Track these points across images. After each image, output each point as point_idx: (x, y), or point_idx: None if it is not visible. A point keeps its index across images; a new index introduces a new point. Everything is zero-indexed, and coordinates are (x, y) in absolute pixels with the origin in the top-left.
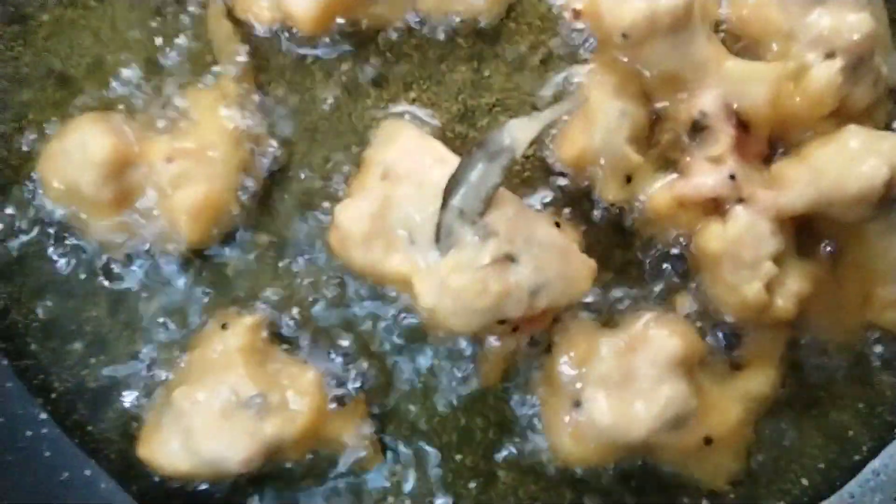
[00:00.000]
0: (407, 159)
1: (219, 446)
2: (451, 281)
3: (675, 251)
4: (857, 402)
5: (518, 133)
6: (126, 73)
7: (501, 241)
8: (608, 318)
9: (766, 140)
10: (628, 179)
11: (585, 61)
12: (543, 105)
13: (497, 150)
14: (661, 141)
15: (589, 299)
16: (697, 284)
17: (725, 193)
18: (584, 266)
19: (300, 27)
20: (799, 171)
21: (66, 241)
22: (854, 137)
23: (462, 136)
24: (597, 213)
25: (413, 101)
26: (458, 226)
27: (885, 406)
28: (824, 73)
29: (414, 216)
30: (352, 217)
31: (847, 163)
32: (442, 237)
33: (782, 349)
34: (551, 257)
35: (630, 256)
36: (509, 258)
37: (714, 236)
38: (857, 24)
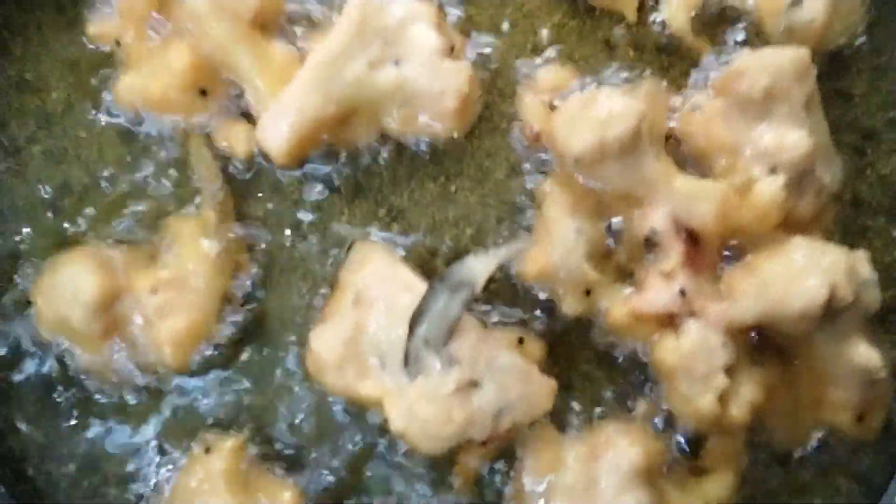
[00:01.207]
0: (377, 285)
1: None
2: (418, 410)
3: (635, 359)
4: (815, 499)
5: (477, 268)
6: (115, 203)
7: (465, 368)
8: (572, 425)
9: (718, 251)
10: (588, 293)
11: (545, 176)
12: (507, 216)
13: (458, 283)
14: (618, 253)
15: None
16: (657, 392)
17: (677, 309)
18: (545, 386)
19: (274, 161)
20: (747, 284)
21: (60, 367)
22: (798, 251)
23: (432, 251)
24: (561, 324)
25: (384, 219)
26: (425, 354)
27: None
28: (768, 190)
29: (384, 342)
30: (325, 345)
31: (791, 280)
32: (410, 363)
33: (741, 452)
34: (513, 380)
35: (593, 364)
36: (473, 384)
37: (668, 350)
38: (796, 142)
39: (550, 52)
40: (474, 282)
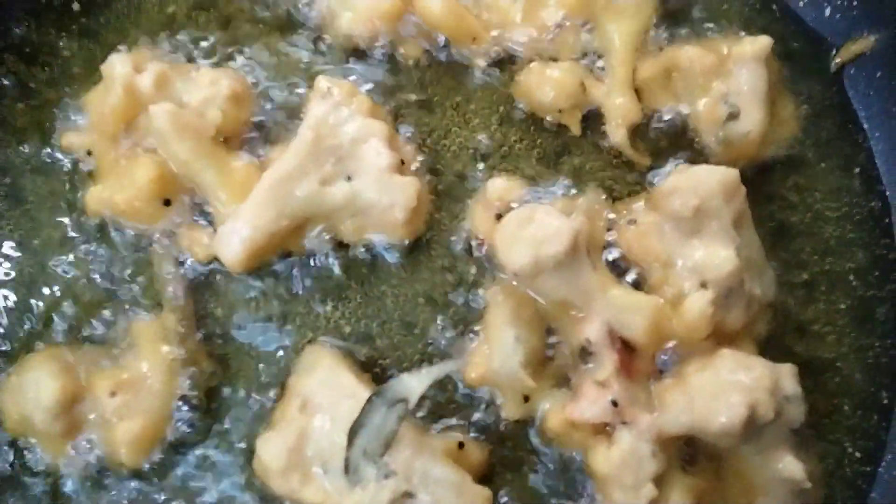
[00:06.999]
0: (322, 392)
1: None
2: None
3: (573, 462)
4: None
5: (411, 386)
6: (81, 305)
7: (400, 480)
8: None
9: (652, 359)
10: (526, 398)
11: (490, 283)
12: (452, 321)
13: (394, 399)
14: (557, 359)
15: None
16: (594, 495)
17: (609, 419)
18: (478, 496)
19: (230, 269)
20: (675, 397)
21: (23, 460)
22: (724, 366)
23: (380, 354)
24: (502, 427)
25: (336, 323)
26: (363, 464)
27: None
28: (697, 304)
29: (327, 449)
30: (272, 452)
31: (714, 397)
32: (350, 472)
33: None
34: (446, 492)
35: (534, 466)
36: (408, 495)
37: (600, 459)
38: (724, 260)
39: (501, 163)
40: (409, 398)
